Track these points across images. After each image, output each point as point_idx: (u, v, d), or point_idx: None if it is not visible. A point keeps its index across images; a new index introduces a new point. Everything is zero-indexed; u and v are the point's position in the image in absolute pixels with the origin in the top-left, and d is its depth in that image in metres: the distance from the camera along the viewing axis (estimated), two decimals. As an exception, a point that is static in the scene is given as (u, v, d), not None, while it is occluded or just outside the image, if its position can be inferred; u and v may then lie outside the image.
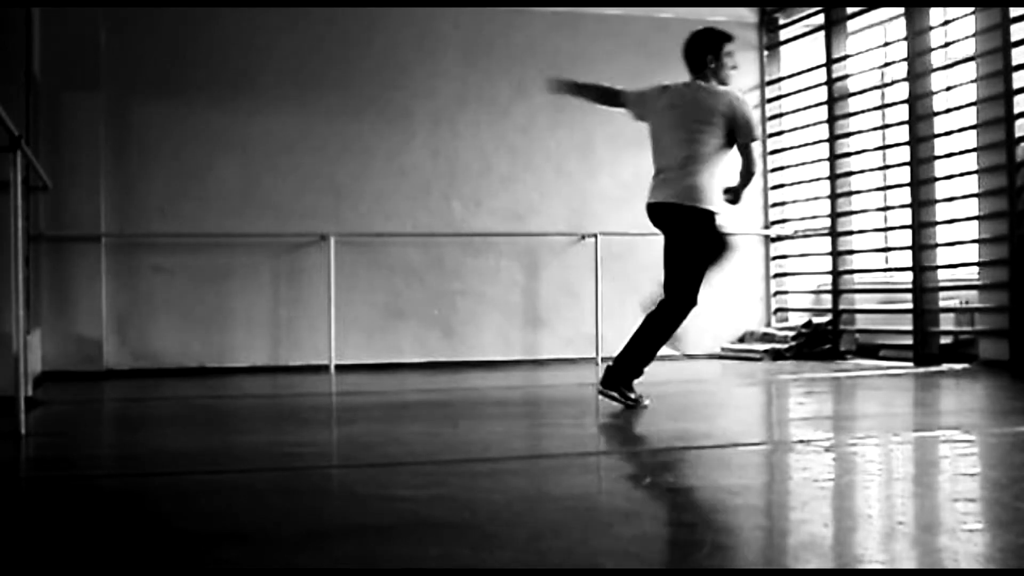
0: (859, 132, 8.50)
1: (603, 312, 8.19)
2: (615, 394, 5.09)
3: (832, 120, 8.61)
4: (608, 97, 5.54)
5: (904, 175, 7.88)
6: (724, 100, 5.12)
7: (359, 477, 3.57)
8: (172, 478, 3.52)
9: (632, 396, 5.07)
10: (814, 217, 8.96)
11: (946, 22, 7.64)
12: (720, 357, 8.60)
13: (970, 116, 7.31)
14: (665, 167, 5.17)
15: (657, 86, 5.35)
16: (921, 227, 7.65)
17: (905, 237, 7.86)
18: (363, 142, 8.24)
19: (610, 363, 5.19)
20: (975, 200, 7.30)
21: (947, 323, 7.66)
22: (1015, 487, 3.14)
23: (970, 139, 7.34)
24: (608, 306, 8.19)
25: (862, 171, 8.49)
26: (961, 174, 7.43)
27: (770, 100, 9.21)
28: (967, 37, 7.35)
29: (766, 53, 9.23)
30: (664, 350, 5.24)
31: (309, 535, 2.59)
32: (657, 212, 5.21)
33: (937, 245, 7.68)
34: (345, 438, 4.64)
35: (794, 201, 9.17)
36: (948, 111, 7.56)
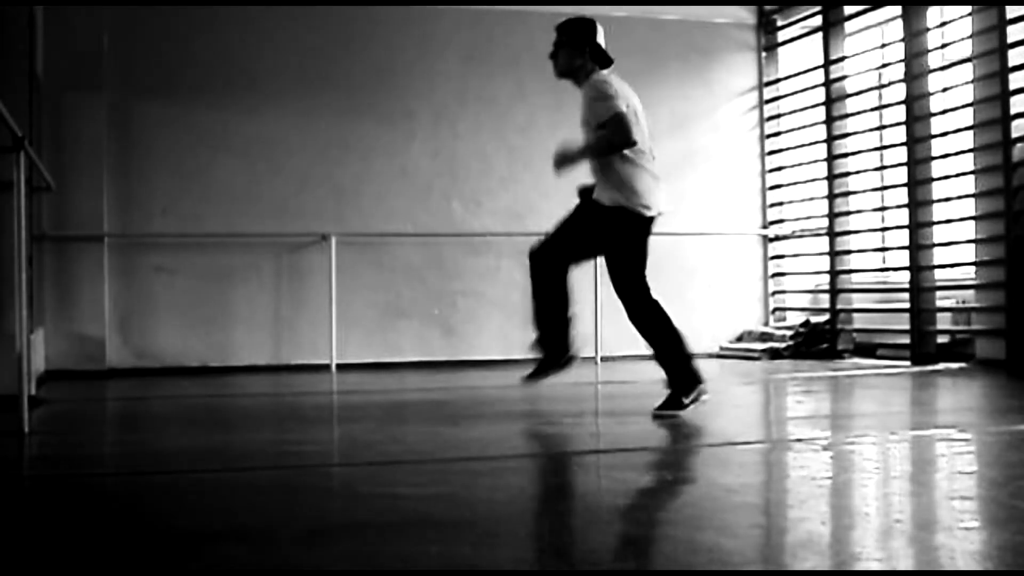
0: (856, 133, 8.52)
1: (602, 312, 8.21)
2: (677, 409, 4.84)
3: (830, 121, 8.64)
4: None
5: (901, 175, 7.90)
6: None
7: (360, 475, 3.59)
8: (173, 476, 3.54)
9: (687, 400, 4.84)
10: (812, 217, 8.99)
11: (943, 23, 7.67)
12: (718, 356, 8.61)
13: (967, 117, 7.34)
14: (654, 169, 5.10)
15: (614, 87, 4.90)
16: (918, 227, 7.67)
17: (902, 237, 7.88)
18: (364, 142, 8.26)
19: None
20: (972, 200, 7.33)
21: (944, 322, 7.68)
22: (1012, 485, 3.17)
23: (967, 140, 7.37)
24: (607, 306, 8.19)
25: (859, 172, 8.51)
26: (958, 174, 7.46)
27: (768, 101, 9.23)
28: (964, 38, 7.37)
29: (764, 54, 9.25)
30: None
31: (310, 533, 2.60)
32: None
33: (934, 245, 7.71)
34: (346, 436, 4.66)
35: (792, 201, 9.19)
36: (945, 112, 7.58)
